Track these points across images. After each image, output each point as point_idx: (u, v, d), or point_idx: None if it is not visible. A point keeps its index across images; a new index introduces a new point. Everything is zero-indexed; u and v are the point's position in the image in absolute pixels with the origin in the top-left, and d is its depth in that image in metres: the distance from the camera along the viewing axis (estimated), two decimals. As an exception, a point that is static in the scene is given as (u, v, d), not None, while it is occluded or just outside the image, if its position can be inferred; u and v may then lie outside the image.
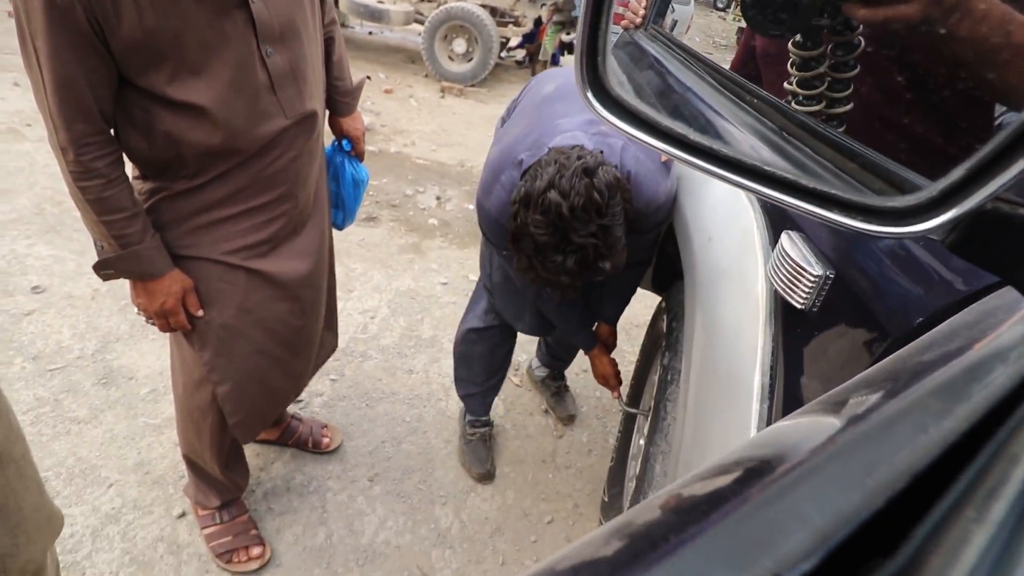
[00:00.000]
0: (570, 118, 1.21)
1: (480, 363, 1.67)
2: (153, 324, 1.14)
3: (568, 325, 1.50)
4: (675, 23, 1.06)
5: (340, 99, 1.35)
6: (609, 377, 1.61)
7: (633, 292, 1.61)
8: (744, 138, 0.67)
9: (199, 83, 0.97)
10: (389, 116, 4.66)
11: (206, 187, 1.07)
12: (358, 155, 1.45)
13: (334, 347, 1.52)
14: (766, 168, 0.34)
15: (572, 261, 1.03)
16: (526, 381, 2.12)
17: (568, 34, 6.21)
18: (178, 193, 1.07)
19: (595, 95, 0.40)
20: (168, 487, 1.55)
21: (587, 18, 0.39)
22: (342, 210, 1.47)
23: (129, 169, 1.06)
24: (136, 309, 1.12)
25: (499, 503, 1.67)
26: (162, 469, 1.60)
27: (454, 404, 1.95)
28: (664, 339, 1.34)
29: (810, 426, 0.33)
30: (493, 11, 5.89)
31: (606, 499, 1.59)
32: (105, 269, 1.05)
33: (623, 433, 1.65)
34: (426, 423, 1.88)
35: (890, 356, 0.45)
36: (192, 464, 1.39)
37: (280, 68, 1.05)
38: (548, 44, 5.97)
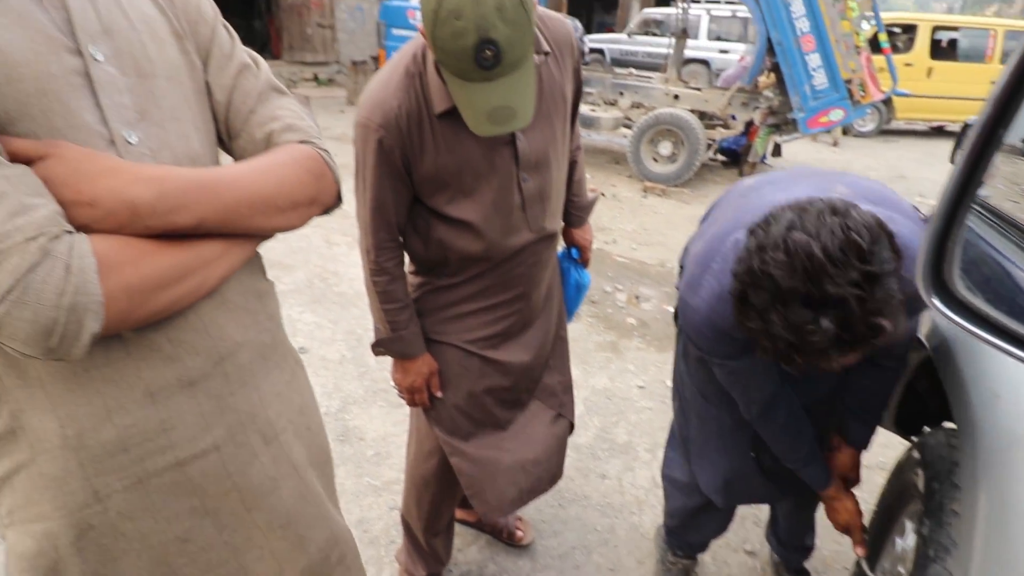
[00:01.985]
0: (788, 193, 1.04)
1: (700, 525, 1.53)
2: (403, 398, 1.32)
3: (794, 449, 1.24)
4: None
5: (574, 212, 1.50)
6: (853, 526, 1.30)
7: (884, 406, 1.30)
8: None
9: (469, 203, 1.16)
10: (592, 214, 4.90)
11: (461, 284, 1.26)
12: (584, 262, 1.56)
13: (568, 431, 1.52)
14: None
15: (829, 320, 0.78)
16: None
17: (781, 135, 6.02)
18: (439, 287, 1.28)
19: (940, 297, 0.39)
20: (380, 548, 1.70)
21: (943, 216, 0.39)
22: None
23: (406, 266, 1.30)
24: (391, 382, 1.32)
25: (692, 647, 1.50)
26: (378, 530, 1.76)
27: (648, 520, 1.85)
28: (922, 501, 1.13)
29: None
30: (702, 115, 6.00)
31: None
32: (378, 347, 1.28)
33: (852, 599, 1.39)
34: (618, 536, 1.81)
35: None
36: (408, 528, 1.52)
37: (531, 191, 1.21)
38: (759, 146, 5.84)
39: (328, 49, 10.71)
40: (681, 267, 1.50)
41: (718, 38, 11.26)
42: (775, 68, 5.52)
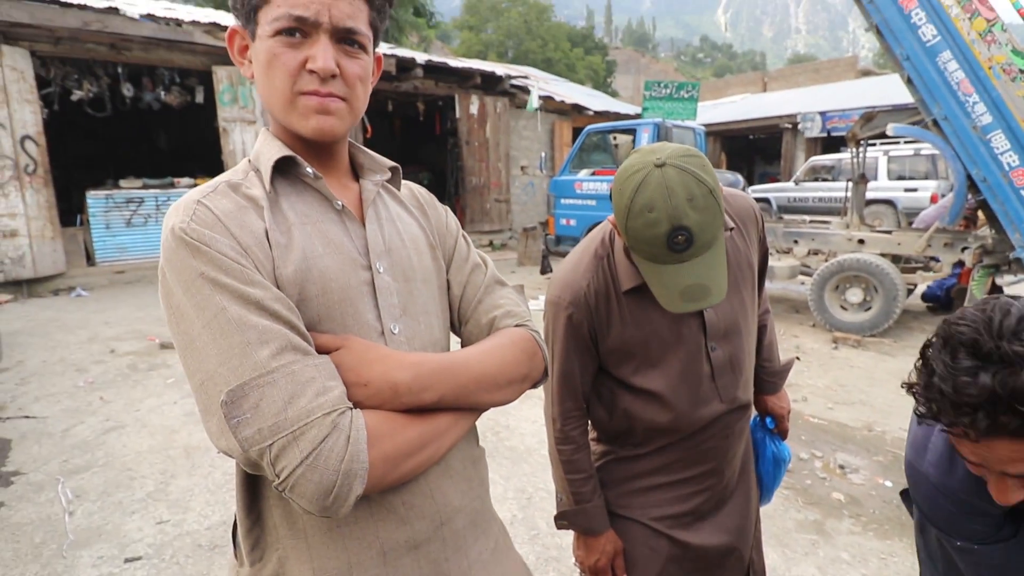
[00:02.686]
0: None
1: None
2: None
3: None
4: None
5: (767, 379, 1.40)
6: None
7: None
8: None
9: (655, 373, 1.16)
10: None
11: (646, 456, 1.22)
12: (781, 433, 1.43)
13: None
14: None
15: (989, 376, 0.69)
16: None
17: (1003, 276, 5.20)
18: (623, 458, 1.24)
19: None
20: None
21: None
22: (759, 487, 1.42)
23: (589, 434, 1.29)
24: (573, 559, 1.26)
25: None
26: None
27: None
28: None
29: None
30: (896, 258, 5.48)
31: None
32: (561, 520, 1.25)
33: None
34: None
35: None
36: None
37: (721, 360, 1.17)
38: (977, 290, 5.07)
39: (503, 219, 12.18)
40: None
41: (900, 177, 10.59)
42: (982, 205, 4.96)
